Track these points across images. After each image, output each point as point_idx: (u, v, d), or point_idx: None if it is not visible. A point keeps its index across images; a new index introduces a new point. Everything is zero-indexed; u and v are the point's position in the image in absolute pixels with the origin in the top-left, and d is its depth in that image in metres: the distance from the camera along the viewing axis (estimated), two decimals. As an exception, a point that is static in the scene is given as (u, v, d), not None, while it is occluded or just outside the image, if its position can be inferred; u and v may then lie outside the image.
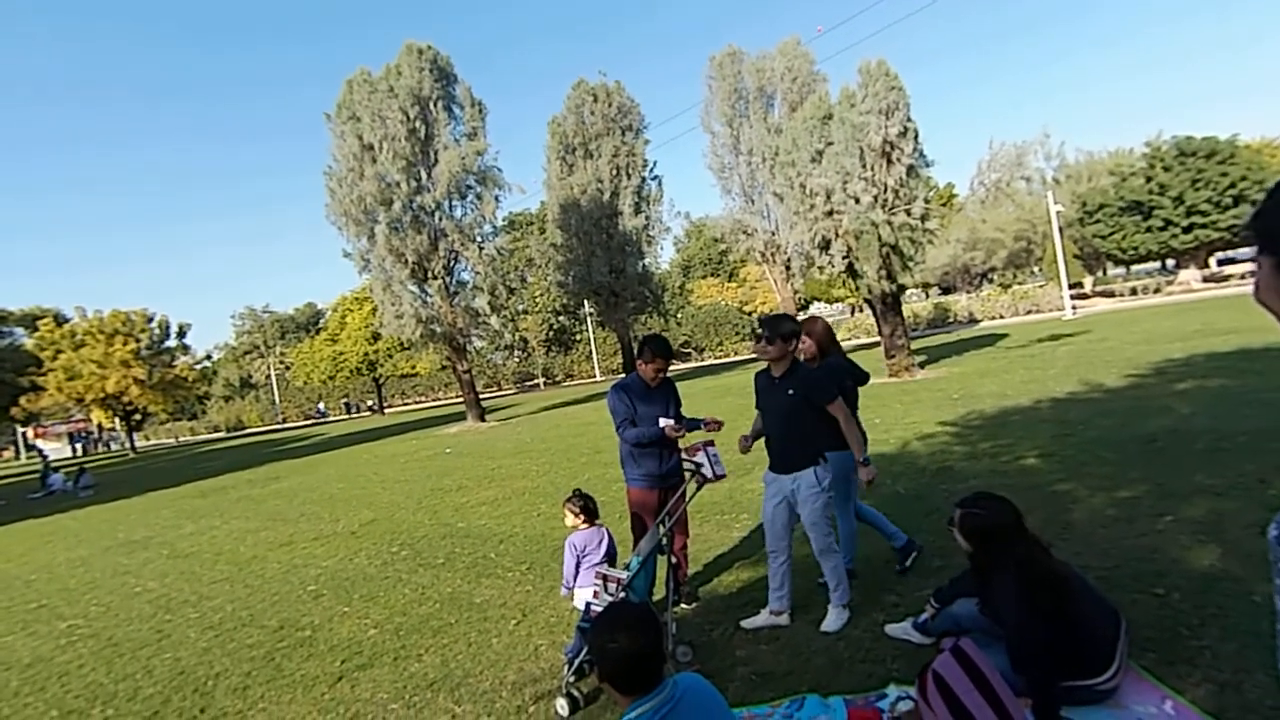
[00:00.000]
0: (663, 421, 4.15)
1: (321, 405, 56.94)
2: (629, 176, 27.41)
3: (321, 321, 66.49)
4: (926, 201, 14.90)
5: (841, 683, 3.19)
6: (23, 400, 40.04)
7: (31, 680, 5.04)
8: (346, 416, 54.54)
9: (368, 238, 22.28)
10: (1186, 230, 32.86)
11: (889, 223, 14.52)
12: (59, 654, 5.54)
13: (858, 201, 14.65)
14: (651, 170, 28.27)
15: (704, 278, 59.63)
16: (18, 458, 63.51)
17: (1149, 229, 34.00)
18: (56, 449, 58.26)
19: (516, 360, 57.59)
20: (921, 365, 16.65)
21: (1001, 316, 36.65)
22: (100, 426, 58.68)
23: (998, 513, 2.96)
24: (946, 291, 51.65)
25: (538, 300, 53.07)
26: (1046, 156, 38.42)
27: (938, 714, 2.31)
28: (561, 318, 54.48)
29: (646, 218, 27.79)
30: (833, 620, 3.76)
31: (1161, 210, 33.19)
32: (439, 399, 56.60)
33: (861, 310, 43.98)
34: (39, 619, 6.73)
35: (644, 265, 27.82)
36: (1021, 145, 37.27)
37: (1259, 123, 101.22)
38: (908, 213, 14.51)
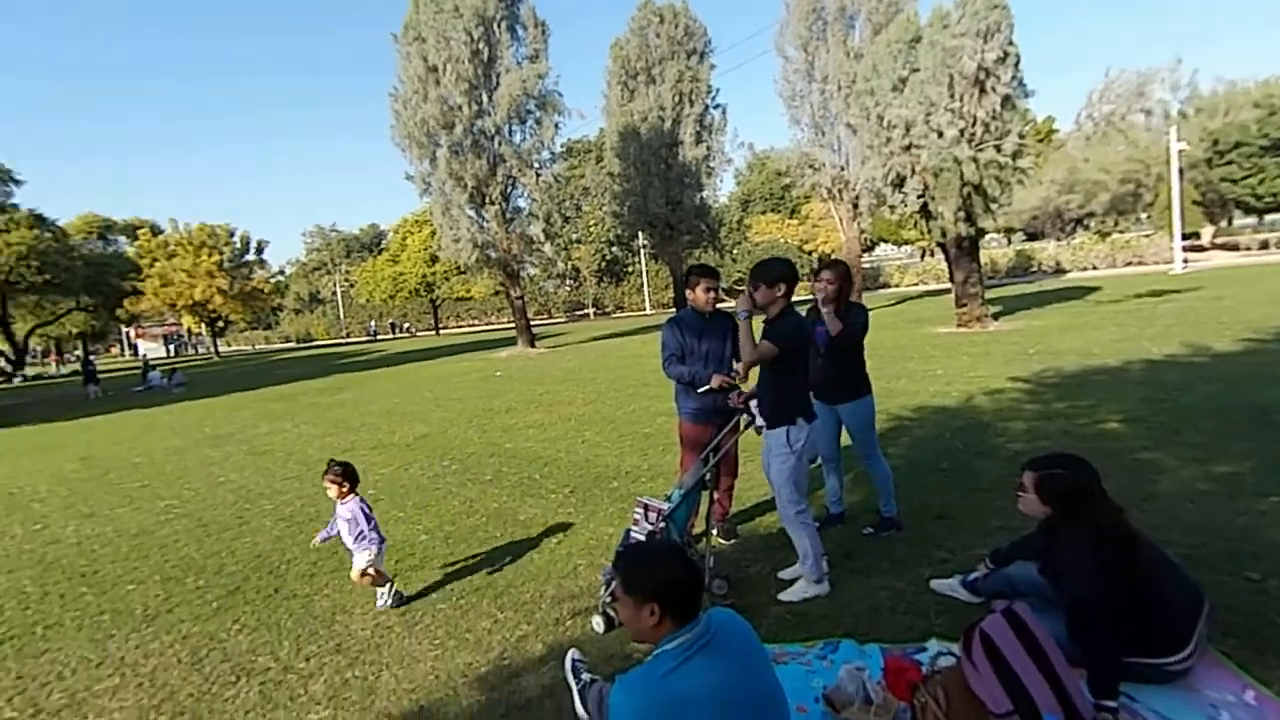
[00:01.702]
0: (715, 379, 3.94)
1: (373, 324, 58.83)
2: (691, 104, 26.29)
3: (384, 242, 67.91)
4: (1021, 137, 13.65)
5: (880, 630, 3.11)
6: (126, 303, 43.06)
7: (138, 548, 5.54)
8: (392, 337, 56.18)
9: (429, 161, 22.28)
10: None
11: (974, 159, 13.51)
12: (159, 528, 6.06)
13: (941, 135, 13.67)
14: (715, 98, 26.98)
15: (763, 213, 57.68)
16: (122, 354, 68.36)
17: (1296, 172, 29.44)
18: (153, 349, 62.43)
19: (568, 289, 57.68)
20: (995, 317, 15.77)
21: (1094, 268, 33.75)
22: (189, 331, 62.63)
23: (1079, 475, 2.72)
24: (1033, 238, 48.03)
25: (591, 230, 52.52)
26: (1173, 87, 34.43)
27: (982, 674, 2.19)
28: (614, 248, 53.84)
29: (708, 148, 26.72)
30: (795, 591, 3.54)
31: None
32: (491, 323, 57.41)
33: (933, 254, 41.96)
34: (143, 497, 7.33)
35: (702, 198, 26.96)
36: (1145, 73, 33.44)
37: None
38: (997, 149, 13.41)
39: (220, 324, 49.20)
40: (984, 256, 23.01)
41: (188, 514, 6.44)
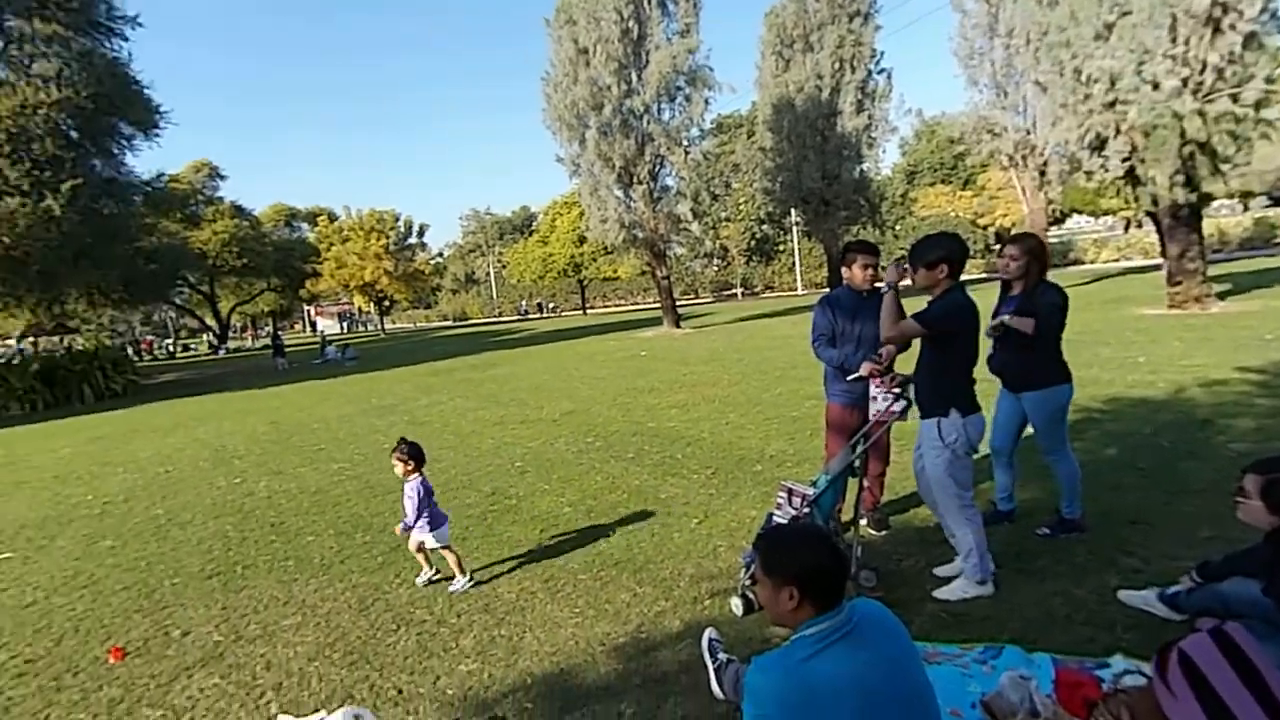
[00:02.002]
0: (865, 366, 3.80)
1: (523, 304, 62.34)
2: (853, 70, 25.03)
3: (534, 224, 71.23)
4: (1269, 82, 11.65)
5: (1052, 640, 2.87)
6: (308, 283, 49.02)
7: (316, 504, 6.31)
8: (539, 316, 58.79)
9: (579, 142, 23.06)
10: None
11: (1200, 113, 11.73)
12: (333, 488, 6.85)
13: (1156, 87, 12.03)
14: (879, 63, 25.51)
15: (931, 185, 53.97)
16: (304, 330, 77.48)
17: None
18: (330, 325, 70.11)
19: (715, 269, 57.44)
20: (1221, 296, 13.82)
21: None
22: (360, 309, 69.55)
23: None
24: (1279, 203, 41.24)
25: (741, 208, 51.82)
26: None
27: (1180, 700, 1.96)
28: (765, 226, 52.82)
29: (869, 117, 25.38)
30: (954, 589, 3.32)
31: None
32: (637, 303, 58.56)
33: (1139, 225, 37.34)
34: (319, 459, 8.32)
35: (862, 170, 25.73)
36: None
37: None
38: (1234, 98, 11.57)
39: (386, 303, 54.56)
40: (1209, 226, 20.12)
41: (357, 476, 7.22)
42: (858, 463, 3.61)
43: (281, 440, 9.84)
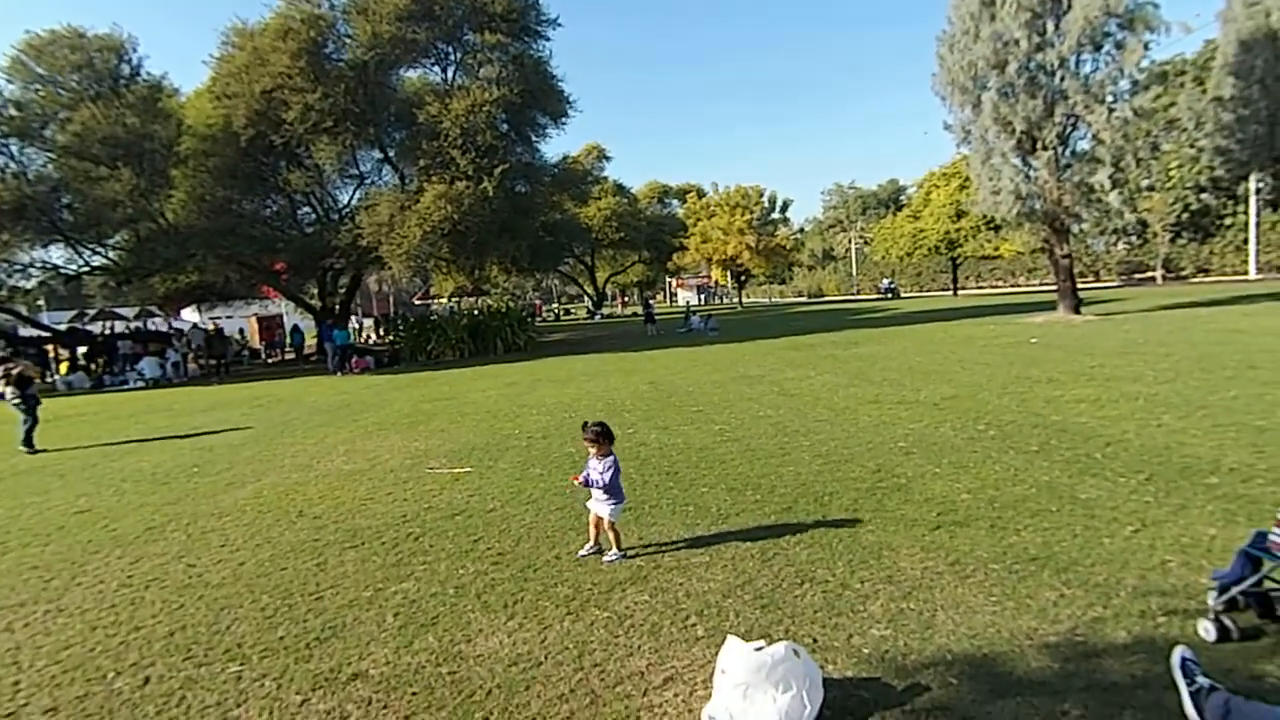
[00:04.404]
0: None
1: (885, 282, 59.63)
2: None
3: (903, 198, 67.95)
4: None
5: None
6: (674, 256, 54.09)
7: (703, 460, 7.01)
8: (877, 296, 55.53)
9: (972, 107, 21.36)
10: None
11: None
12: (716, 447, 7.55)
13: None
14: None
15: None
16: (665, 301, 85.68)
17: None
18: (689, 297, 76.08)
19: (1126, 247, 48.49)
20: None
21: None
22: (716, 282, 74.31)
23: None
24: None
25: (1172, 174, 42.63)
26: None
27: None
28: (1205, 196, 42.76)
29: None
30: None
31: None
32: (1017, 285, 52.69)
33: None
34: (698, 420, 9.21)
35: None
36: None
37: None
38: None
39: (743, 277, 57.33)
40: None
41: (736, 439, 7.84)
42: None
43: (662, 399, 11.09)
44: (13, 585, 4.96)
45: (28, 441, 10.60)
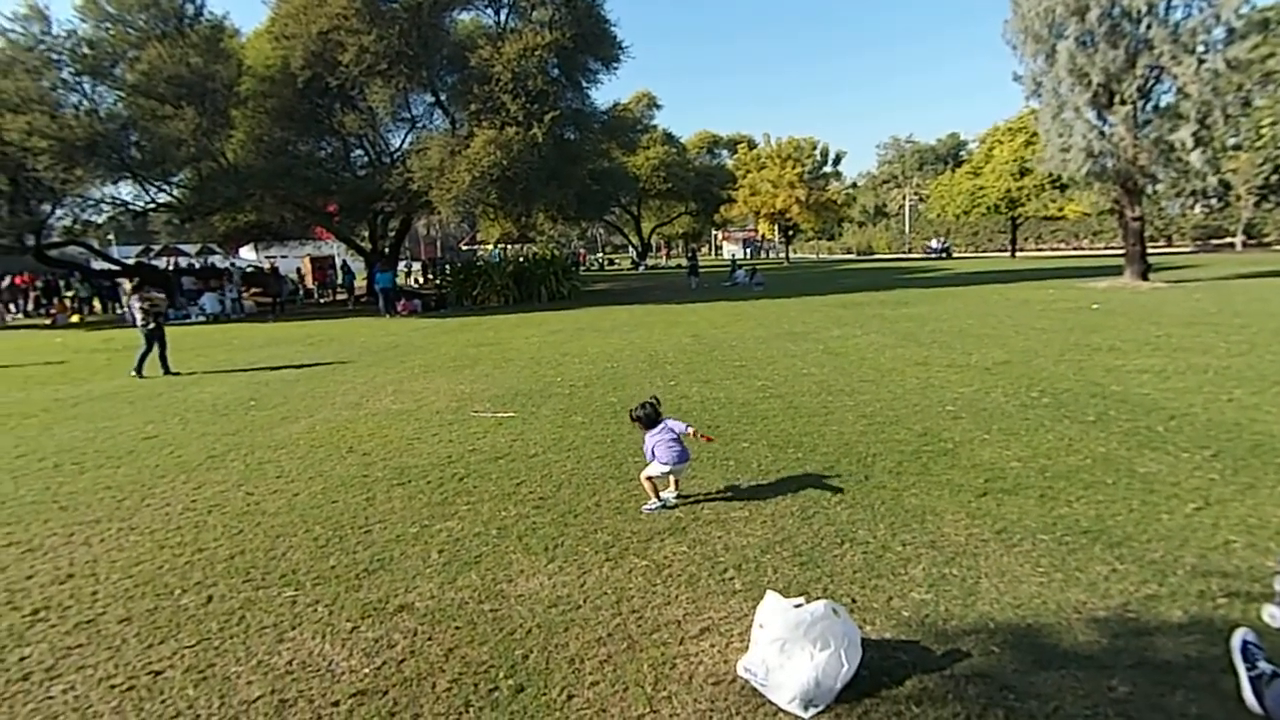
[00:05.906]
0: None
1: (934, 242, 56.91)
2: None
3: (963, 153, 65.28)
4: None
5: None
6: (721, 209, 53.01)
7: (745, 415, 6.95)
8: (924, 257, 53.66)
9: (1045, 57, 20.15)
10: None
11: None
12: (758, 403, 7.47)
13: None
14: None
15: None
16: (710, 255, 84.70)
17: None
18: (735, 250, 75.00)
19: (1204, 211, 45.92)
20: None
21: None
22: (763, 237, 72.94)
23: None
24: None
25: (1263, 132, 39.66)
26: None
27: None
28: None
29: None
30: None
31: None
32: (1080, 249, 50.52)
33: None
34: (741, 375, 9.11)
35: None
36: None
37: None
38: None
39: (791, 232, 56.05)
40: None
41: (779, 395, 7.75)
42: None
43: (704, 353, 11.01)
44: (89, 503, 5.22)
45: (163, 364, 11.51)
